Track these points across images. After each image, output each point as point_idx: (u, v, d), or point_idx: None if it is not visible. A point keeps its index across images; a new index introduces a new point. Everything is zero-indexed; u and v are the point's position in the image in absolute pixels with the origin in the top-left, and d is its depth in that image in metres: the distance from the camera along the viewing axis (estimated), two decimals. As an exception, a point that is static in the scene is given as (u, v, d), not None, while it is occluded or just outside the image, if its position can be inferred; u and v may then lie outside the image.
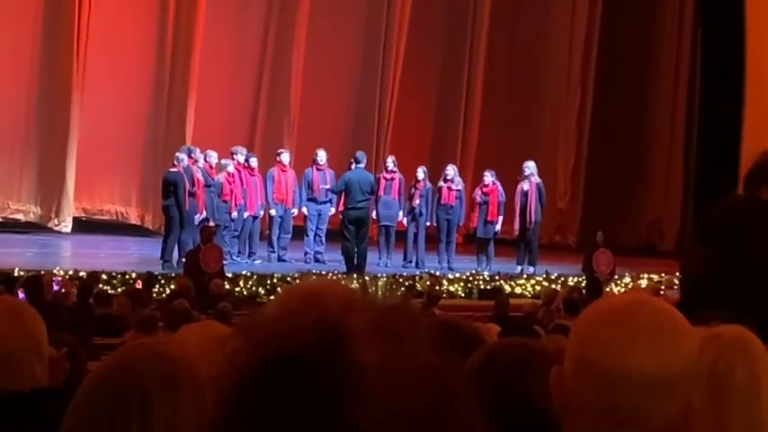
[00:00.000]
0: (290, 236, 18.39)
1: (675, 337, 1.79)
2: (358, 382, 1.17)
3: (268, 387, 1.19)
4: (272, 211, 18.11)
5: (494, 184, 18.63)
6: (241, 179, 17.67)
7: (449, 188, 18.49)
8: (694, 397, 1.80)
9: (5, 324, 2.77)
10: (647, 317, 1.79)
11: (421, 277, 16.97)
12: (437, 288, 15.70)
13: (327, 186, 18.19)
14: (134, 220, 21.05)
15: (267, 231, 18.63)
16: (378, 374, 1.18)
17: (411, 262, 18.61)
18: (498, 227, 18.52)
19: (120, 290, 13.71)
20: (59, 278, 13.48)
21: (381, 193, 18.16)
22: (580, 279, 17.33)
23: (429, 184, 18.64)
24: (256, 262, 17.80)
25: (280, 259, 18.17)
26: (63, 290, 12.26)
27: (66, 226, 19.99)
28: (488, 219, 18.42)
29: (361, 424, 1.16)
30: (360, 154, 18.04)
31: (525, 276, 17.93)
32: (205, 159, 17.47)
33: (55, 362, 2.79)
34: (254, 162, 18.11)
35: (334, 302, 1.24)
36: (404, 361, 1.21)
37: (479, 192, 18.72)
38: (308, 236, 18.32)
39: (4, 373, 2.72)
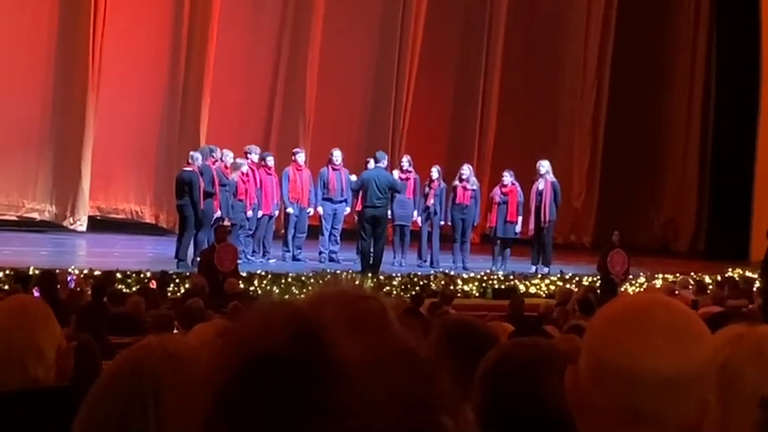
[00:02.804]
0: (304, 235, 18.38)
1: (691, 337, 1.78)
2: (341, 373, 1.18)
3: (250, 386, 1.20)
4: (290, 210, 18.10)
5: (513, 184, 18.58)
6: (255, 178, 17.66)
7: (464, 188, 18.46)
8: (710, 397, 1.79)
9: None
10: (662, 317, 1.78)
11: (435, 276, 16.94)
12: (451, 287, 15.68)
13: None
14: (149, 218, 21.08)
15: (282, 231, 18.63)
16: (359, 363, 1.19)
17: (426, 261, 18.59)
18: (519, 228, 18.47)
19: (134, 289, 13.73)
20: (74, 276, 13.50)
21: (396, 192, 18.16)
22: (595, 279, 17.28)
23: (443, 184, 18.62)
24: (271, 261, 17.79)
25: (294, 258, 18.16)
26: (78, 288, 12.28)
27: (82, 225, 20.04)
28: (508, 219, 18.38)
29: (348, 414, 1.17)
30: (380, 153, 18.04)
31: (540, 276, 17.88)
32: (221, 159, 17.47)
33: (61, 357, 2.78)
34: (270, 161, 18.10)
35: (303, 298, 1.26)
36: (382, 348, 1.22)
37: (498, 191, 18.66)
38: (323, 235, 18.32)
39: None
